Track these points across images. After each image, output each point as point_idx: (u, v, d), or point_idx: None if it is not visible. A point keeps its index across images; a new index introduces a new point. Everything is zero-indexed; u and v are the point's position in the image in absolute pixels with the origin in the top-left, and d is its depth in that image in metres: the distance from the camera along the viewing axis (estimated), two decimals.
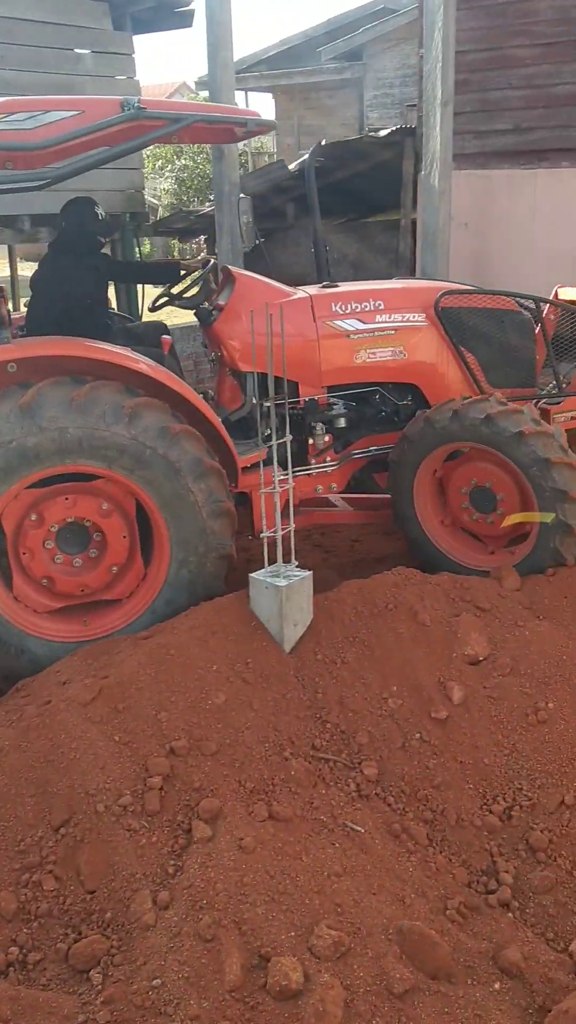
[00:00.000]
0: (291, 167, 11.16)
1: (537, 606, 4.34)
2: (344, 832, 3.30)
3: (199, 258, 5.61)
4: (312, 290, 5.18)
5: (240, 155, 15.78)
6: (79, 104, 3.93)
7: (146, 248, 18.35)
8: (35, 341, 4.33)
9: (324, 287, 5.24)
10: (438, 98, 8.90)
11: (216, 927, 2.77)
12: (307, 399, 5.05)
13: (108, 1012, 2.61)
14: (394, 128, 11.14)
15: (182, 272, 5.34)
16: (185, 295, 5.20)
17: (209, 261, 5.29)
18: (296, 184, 11.49)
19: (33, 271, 5.04)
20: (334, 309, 5.03)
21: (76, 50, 9.29)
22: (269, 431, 4.98)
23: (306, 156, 10.77)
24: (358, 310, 5.05)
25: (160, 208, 19.79)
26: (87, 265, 4.92)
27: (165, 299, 5.37)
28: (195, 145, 19.86)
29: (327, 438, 5.09)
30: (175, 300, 5.32)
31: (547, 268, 9.03)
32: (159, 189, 22.70)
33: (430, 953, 2.83)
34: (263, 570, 4.06)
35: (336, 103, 20.62)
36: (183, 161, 22.32)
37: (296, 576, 3.98)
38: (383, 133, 10.98)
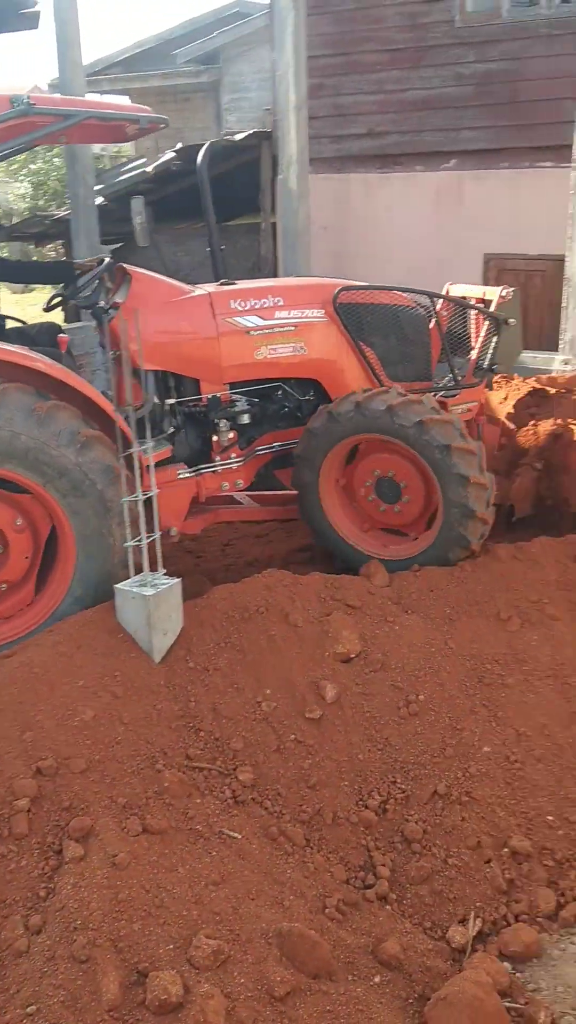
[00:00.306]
0: (148, 169, 11.07)
1: (405, 601, 4.41)
2: (221, 840, 3.28)
3: (94, 257, 5.46)
4: (210, 287, 5.15)
5: (97, 159, 15.55)
6: None
7: (3, 254, 17.87)
8: None
9: (222, 284, 5.23)
10: (292, 102, 9.00)
11: (91, 947, 2.70)
12: (209, 396, 5.01)
13: None
14: (251, 132, 11.18)
15: (76, 271, 5.24)
16: (81, 294, 5.09)
17: (104, 259, 5.19)
18: (153, 187, 11.40)
19: None
20: (233, 306, 5.00)
21: None
22: (173, 429, 4.96)
23: (165, 158, 10.70)
24: (257, 307, 5.03)
25: (13, 214, 19.33)
26: None
27: (60, 298, 5.25)
28: (53, 148, 19.46)
29: (231, 435, 5.06)
30: (71, 299, 5.20)
31: (405, 270, 9.23)
32: (13, 194, 22.16)
33: (310, 953, 2.84)
34: (129, 580, 3.99)
35: (193, 106, 20.59)
36: (38, 164, 21.86)
37: (164, 584, 3.93)
38: (239, 137, 11.02)
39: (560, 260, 8.66)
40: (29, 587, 4.35)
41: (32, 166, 21.85)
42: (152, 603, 3.83)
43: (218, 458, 5.07)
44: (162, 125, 4.62)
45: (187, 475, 4.94)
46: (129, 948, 2.74)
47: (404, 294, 5.35)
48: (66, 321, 6.09)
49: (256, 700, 3.84)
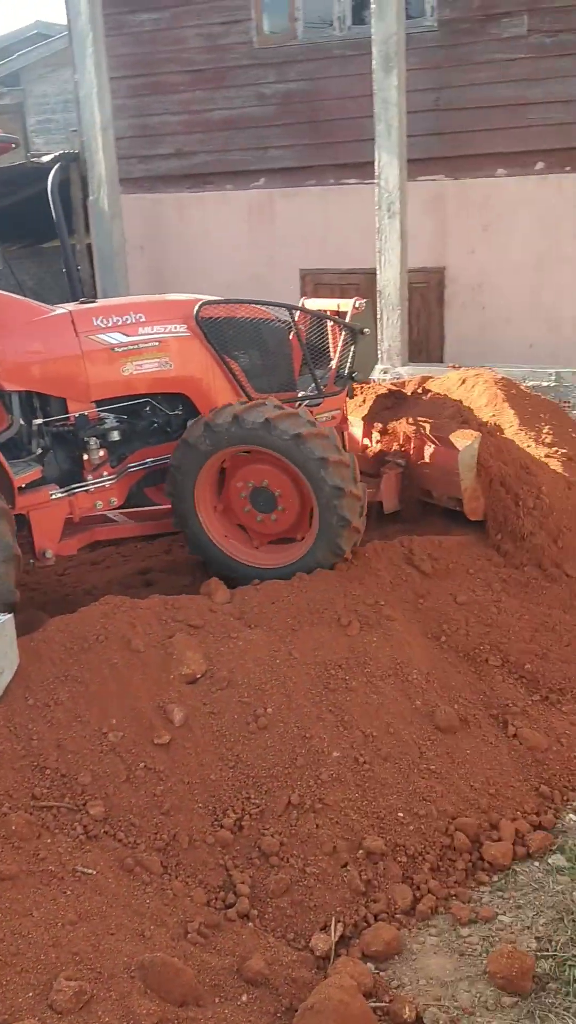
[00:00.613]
0: None
1: (247, 616, 4.43)
2: (76, 878, 3.19)
3: None
4: (70, 306, 5.09)
5: None
6: None
7: None
8: None
9: (82, 303, 5.17)
10: (97, 123, 8.94)
11: None
12: (77, 414, 4.93)
13: None
14: (57, 153, 11.02)
15: None
16: None
17: None
18: None
19: None
20: (96, 323, 4.95)
21: None
22: (41, 450, 4.88)
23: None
24: (120, 323, 5.01)
25: None
26: None
27: None
28: None
29: (101, 453, 5.01)
30: None
31: (223, 286, 9.32)
32: None
33: (174, 981, 2.80)
34: None
35: None
36: None
37: None
38: (46, 158, 10.83)
39: (372, 273, 8.98)
40: None
41: None
42: None
43: (90, 477, 5.02)
44: (13, 146, 4.58)
45: (59, 495, 4.89)
46: None
47: (264, 307, 5.44)
48: None
49: (102, 731, 3.76)
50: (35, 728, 3.70)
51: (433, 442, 5.47)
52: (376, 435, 5.92)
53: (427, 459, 5.50)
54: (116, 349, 4.99)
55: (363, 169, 9.27)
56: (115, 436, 5.11)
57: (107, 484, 5.08)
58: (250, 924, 3.29)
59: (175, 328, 5.17)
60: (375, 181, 8.59)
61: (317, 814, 3.62)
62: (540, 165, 9.13)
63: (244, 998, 2.92)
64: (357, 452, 5.78)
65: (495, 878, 3.57)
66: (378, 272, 8.79)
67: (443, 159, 9.47)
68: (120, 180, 9.93)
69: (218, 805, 3.64)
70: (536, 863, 3.62)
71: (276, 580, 4.75)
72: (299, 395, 5.49)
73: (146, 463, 5.31)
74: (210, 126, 10.32)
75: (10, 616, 3.87)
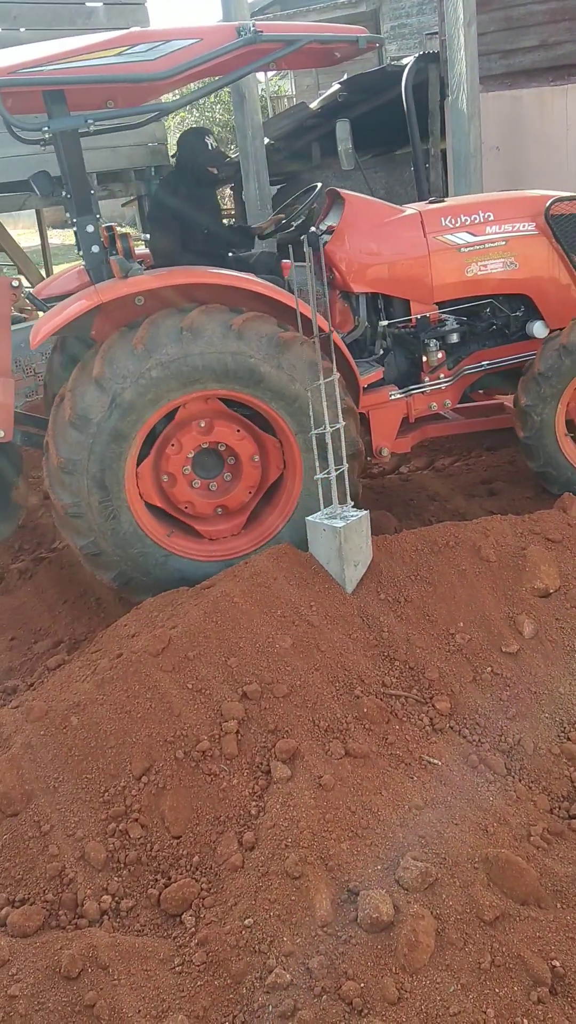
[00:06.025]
0: (313, 105, 10.91)
1: None
2: (421, 765, 3.30)
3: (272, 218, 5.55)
4: (420, 206, 5.13)
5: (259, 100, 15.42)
6: (197, 32, 3.96)
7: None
8: (161, 271, 4.32)
9: (431, 203, 5.19)
10: (460, 19, 8.64)
11: (303, 864, 2.78)
12: (419, 316, 5.01)
13: (204, 953, 2.65)
14: (417, 55, 10.79)
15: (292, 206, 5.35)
16: (291, 226, 5.24)
17: (317, 185, 5.28)
18: (321, 123, 11.25)
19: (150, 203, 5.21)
20: (444, 223, 4.97)
21: (87, 3, 9.15)
22: (383, 351, 5.03)
23: (331, 90, 10.49)
24: (468, 222, 4.99)
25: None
26: (200, 195, 4.98)
27: (273, 228, 5.40)
28: (213, 95, 19.47)
29: (440, 355, 5.05)
30: (282, 228, 5.32)
31: None
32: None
33: (518, 879, 2.82)
34: (320, 512, 4.02)
35: None
36: (200, 114, 21.97)
37: (353, 516, 3.94)
38: (405, 61, 10.65)
39: None
40: (240, 519, 4.53)
41: (190, 116, 22.00)
42: (343, 535, 3.85)
43: (427, 379, 5.07)
44: (377, 44, 4.62)
45: (398, 396, 4.98)
46: (339, 867, 2.81)
47: None
48: None
49: (449, 632, 3.82)
50: (385, 621, 3.83)
51: None
52: None
53: None
54: (462, 249, 4.92)
55: None
56: (454, 338, 5.06)
57: (443, 386, 5.07)
58: None
59: (523, 226, 5.00)
60: None
61: None
62: None
63: None
64: None
65: None
66: None
67: None
68: (479, 78, 9.56)
69: (565, 718, 3.58)
70: None
71: None
72: None
73: (482, 365, 5.19)
74: None
75: (366, 512, 4.00)
